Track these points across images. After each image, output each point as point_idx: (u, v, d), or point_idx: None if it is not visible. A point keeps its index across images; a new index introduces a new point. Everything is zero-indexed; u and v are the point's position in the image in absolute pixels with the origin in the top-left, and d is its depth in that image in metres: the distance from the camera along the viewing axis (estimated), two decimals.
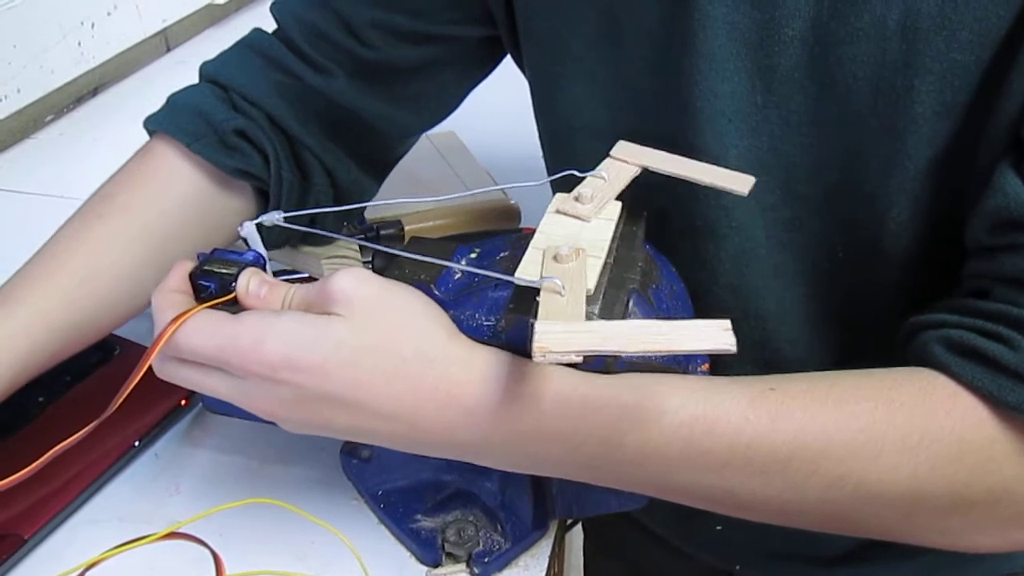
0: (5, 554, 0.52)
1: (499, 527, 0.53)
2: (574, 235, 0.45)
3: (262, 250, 0.50)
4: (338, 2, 0.62)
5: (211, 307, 0.46)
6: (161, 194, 0.61)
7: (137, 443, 0.60)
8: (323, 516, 0.55)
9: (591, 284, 0.42)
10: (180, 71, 0.72)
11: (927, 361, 0.44)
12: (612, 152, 0.50)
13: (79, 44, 1.08)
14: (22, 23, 1.00)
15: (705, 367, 0.48)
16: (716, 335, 0.37)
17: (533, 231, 0.46)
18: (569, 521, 0.63)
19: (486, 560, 0.52)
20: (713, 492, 0.44)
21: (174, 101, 0.64)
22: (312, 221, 0.64)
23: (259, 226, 0.51)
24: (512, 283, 0.43)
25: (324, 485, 0.58)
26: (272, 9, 0.65)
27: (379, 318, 0.43)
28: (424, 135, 0.73)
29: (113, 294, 0.57)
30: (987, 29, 0.43)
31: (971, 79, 0.44)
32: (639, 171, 0.49)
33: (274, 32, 0.65)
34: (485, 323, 0.45)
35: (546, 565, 0.54)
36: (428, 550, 0.53)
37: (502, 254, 0.48)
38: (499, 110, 0.85)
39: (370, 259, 0.73)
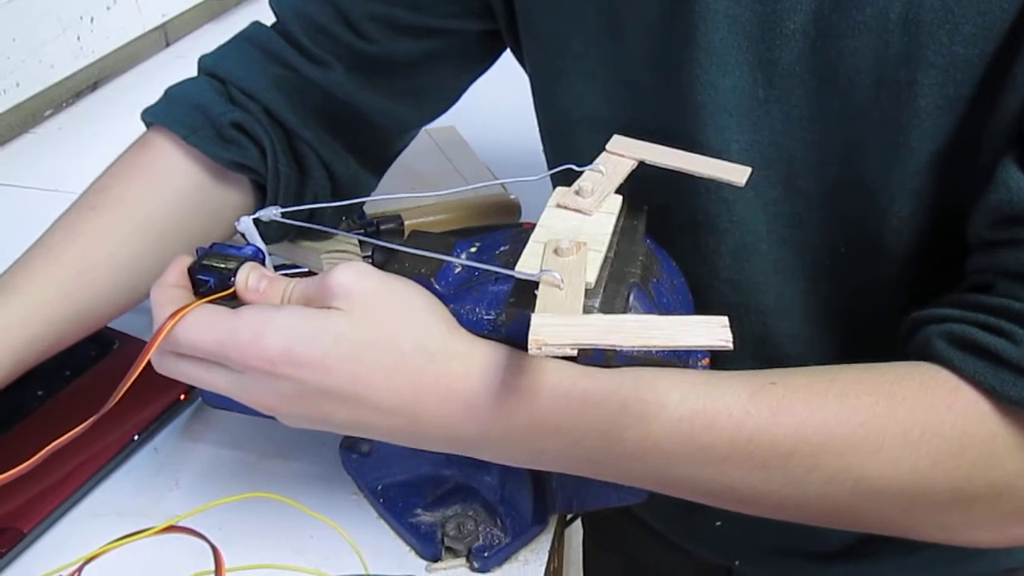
0: (5, 548, 0.52)
1: (499, 522, 0.53)
2: (575, 229, 0.45)
3: (261, 244, 0.50)
4: None
5: (210, 302, 0.45)
6: (158, 186, 0.61)
7: (136, 437, 0.60)
8: (323, 510, 0.55)
9: (591, 278, 0.42)
10: (179, 65, 0.72)
11: (929, 355, 0.44)
12: (608, 146, 0.50)
13: (78, 38, 1.08)
14: (21, 17, 1.00)
15: (705, 361, 0.48)
16: (714, 332, 0.37)
17: (533, 225, 0.46)
18: (569, 516, 0.63)
19: (486, 554, 0.52)
20: (713, 486, 0.44)
21: (172, 94, 0.64)
22: (311, 216, 0.63)
23: (257, 221, 0.51)
24: (512, 277, 0.43)
25: (324, 479, 0.58)
26: (271, 3, 0.65)
27: (379, 312, 0.43)
28: (423, 129, 0.73)
29: (110, 286, 0.57)
30: (990, 23, 0.43)
31: (974, 73, 0.44)
32: (635, 164, 0.49)
33: (273, 25, 0.65)
34: (485, 317, 0.45)
35: (546, 560, 0.54)
36: (428, 544, 0.53)
37: (502, 248, 0.48)
38: (499, 104, 0.85)
39: (370, 253, 0.73)
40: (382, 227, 0.77)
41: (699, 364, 0.47)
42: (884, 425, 0.42)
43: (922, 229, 0.49)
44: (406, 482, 0.55)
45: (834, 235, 0.52)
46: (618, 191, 0.48)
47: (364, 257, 0.73)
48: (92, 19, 1.10)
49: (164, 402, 0.62)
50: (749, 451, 0.42)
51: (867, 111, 0.47)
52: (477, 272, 0.47)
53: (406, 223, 0.78)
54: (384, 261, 0.49)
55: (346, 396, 0.43)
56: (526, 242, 0.44)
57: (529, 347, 0.36)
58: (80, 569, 0.52)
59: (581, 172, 0.49)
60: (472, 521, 0.53)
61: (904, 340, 0.47)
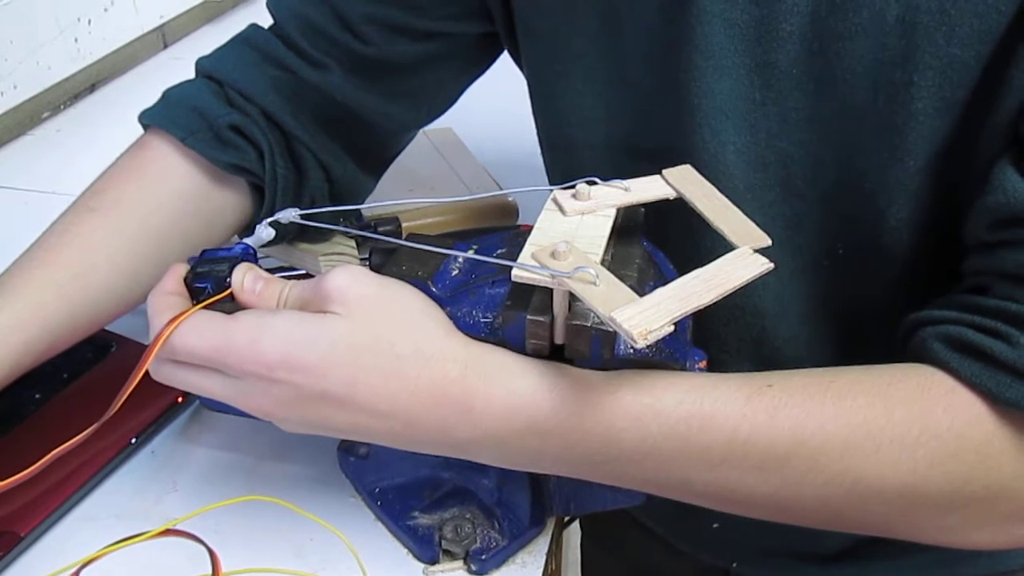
0: (2, 551, 0.52)
1: (496, 524, 0.53)
2: (571, 232, 0.45)
3: (258, 243, 0.50)
4: None
5: (207, 307, 0.45)
6: (155, 188, 0.61)
7: (134, 440, 0.60)
8: (320, 513, 0.55)
9: None
10: (177, 67, 0.72)
11: (926, 357, 0.44)
12: (665, 171, 0.49)
13: (76, 40, 1.08)
14: (19, 19, 0.99)
15: (702, 364, 0.48)
16: (753, 263, 0.41)
17: (530, 228, 0.46)
18: (566, 518, 0.63)
19: (483, 557, 0.52)
20: (711, 489, 0.44)
21: (169, 96, 0.64)
22: (311, 219, 0.63)
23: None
24: (508, 280, 0.43)
25: (321, 482, 0.58)
26: (269, 5, 0.65)
27: (376, 316, 0.43)
28: (421, 131, 0.73)
29: (107, 288, 0.57)
30: (987, 24, 0.43)
31: (971, 75, 0.44)
32: (672, 196, 0.48)
33: (270, 28, 0.65)
34: (482, 320, 0.45)
35: (543, 562, 0.54)
36: (425, 547, 0.53)
37: (499, 251, 0.48)
38: (496, 106, 0.85)
39: (367, 256, 0.73)
40: (379, 229, 0.77)
41: (696, 366, 0.47)
42: (881, 427, 0.42)
43: (920, 230, 0.49)
44: (404, 485, 0.55)
45: (832, 237, 0.52)
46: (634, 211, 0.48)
47: (362, 259, 0.73)
48: (90, 21, 1.10)
49: (162, 405, 0.62)
50: (746, 453, 0.42)
51: (864, 113, 0.47)
52: (474, 275, 0.47)
53: (404, 225, 0.78)
54: (381, 264, 0.49)
55: (343, 400, 0.43)
56: (523, 245, 0.44)
57: (632, 341, 0.37)
58: (77, 573, 0.51)
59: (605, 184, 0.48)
60: (470, 523, 0.53)
61: (901, 342, 0.47)
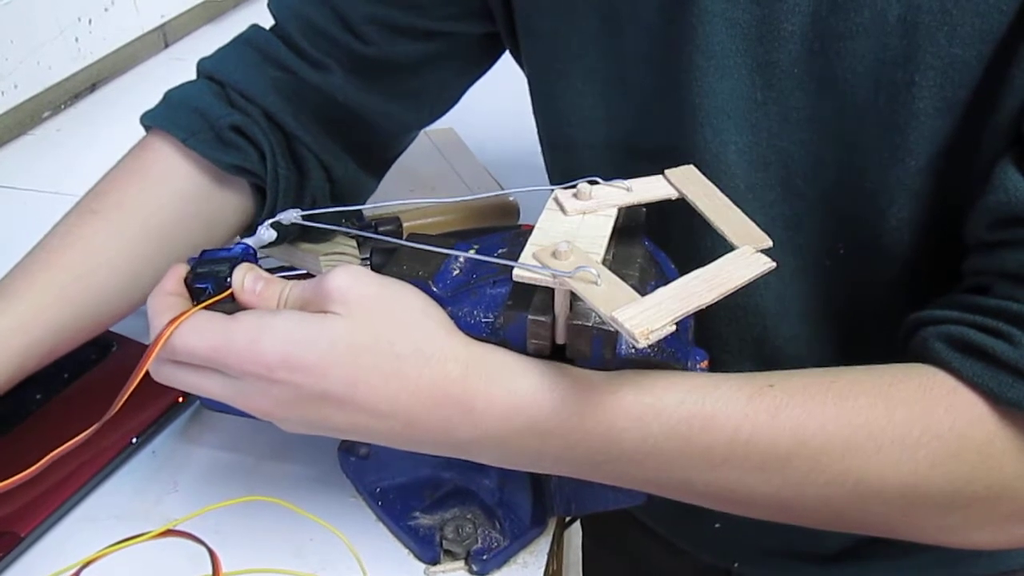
0: (2, 552, 0.52)
1: (497, 524, 0.53)
2: (572, 231, 0.45)
3: (264, 236, 0.50)
4: None
5: (207, 307, 0.45)
6: (157, 190, 0.61)
7: (134, 440, 0.60)
8: (321, 514, 0.55)
9: None
10: (178, 67, 0.72)
11: (927, 357, 0.44)
12: (668, 172, 0.49)
13: (76, 40, 1.08)
14: (19, 18, 0.99)
15: (704, 364, 0.48)
16: (754, 262, 0.41)
17: (531, 228, 0.46)
18: (568, 518, 0.63)
19: (484, 557, 0.52)
20: (712, 489, 0.44)
21: (171, 97, 0.64)
22: (312, 219, 0.63)
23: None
24: (509, 280, 0.42)
25: (322, 483, 0.58)
26: (270, 5, 0.65)
27: (376, 316, 0.43)
28: (422, 131, 0.73)
29: (110, 290, 0.57)
30: (988, 24, 0.43)
31: (972, 74, 0.44)
32: (675, 197, 0.48)
33: (272, 28, 0.65)
34: (483, 320, 0.45)
35: (544, 562, 0.54)
36: (426, 547, 0.53)
37: (500, 251, 0.48)
38: (497, 106, 0.85)
39: (368, 256, 0.73)
40: (380, 229, 0.77)
41: (697, 366, 0.47)
42: (883, 427, 0.42)
43: (921, 230, 0.49)
44: (404, 485, 0.55)
45: (833, 236, 0.52)
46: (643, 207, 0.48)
47: (363, 259, 0.73)
48: (90, 21, 1.10)
49: (162, 405, 0.62)
50: (747, 453, 0.42)
51: (865, 113, 0.47)
52: (475, 275, 0.47)
53: (404, 225, 0.78)
54: (381, 264, 0.49)
55: (343, 400, 0.43)
56: (524, 244, 0.44)
57: (634, 341, 0.37)
58: (77, 573, 0.51)
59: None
60: (471, 524, 0.53)
61: (902, 341, 0.47)
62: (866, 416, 0.42)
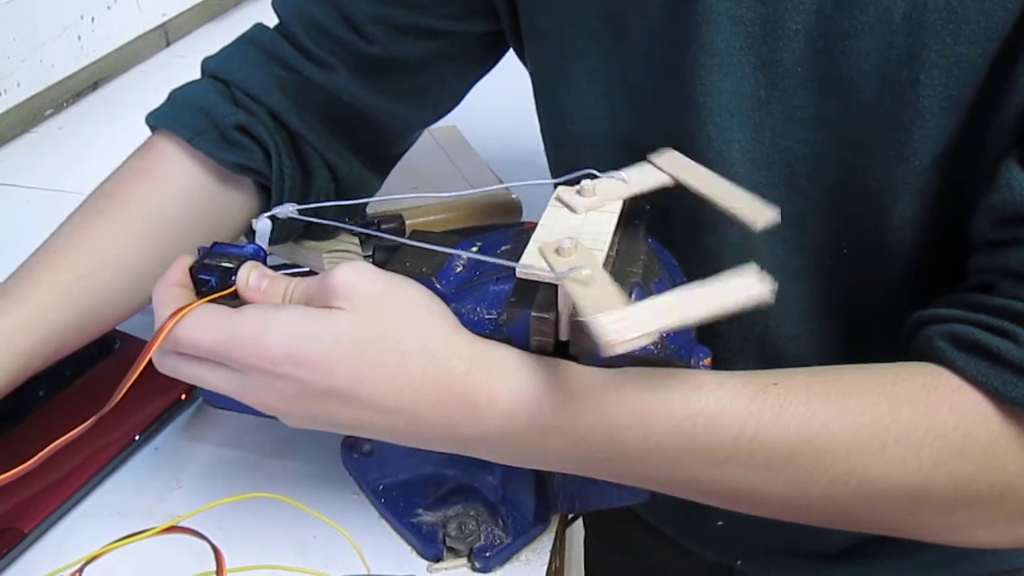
0: (6, 548, 0.52)
1: (500, 521, 0.53)
2: (576, 228, 0.45)
3: (264, 243, 0.50)
4: None
5: (211, 301, 0.45)
6: (162, 189, 0.61)
7: (137, 437, 0.60)
8: (324, 510, 0.55)
9: None
10: (180, 65, 0.72)
11: (931, 356, 0.44)
12: (652, 156, 0.49)
13: (79, 38, 1.08)
14: (22, 17, 1.00)
15: (707, 361, 0.48)
16: (751, 286, 0.39)
17: (534, 225, 0.46)
18: (570, 515, 0.63)
19: (487, 554, 0.52)
20: (716, 487, 0.44)
21: (175, 96, 0.64)
22: (315, 215, 0.63)
23: (272, 219, 0.51)
24: (516, 276, 0.43)
25: (325, 479, 0.58)
26: (274, 4, 0.65)
27: (381, 312, 0.43)
28: (426, 129, 0.73)
29: (115, 290, 0.57)
30: (994, 23, 0.43)
31: (977, 73, 0.44)
32: (671, 183, 0.48)
33: (275, 27, 0.65)
34: (487, 316, 0.45)
35: (547, 559, 0.54)
36: (429, 544, 0.53)
37: (503, 248, 0.48)
38: (501, 104, 0.85)
39: (371, 253, 0.73)
40: (383, 227, 0.77)
41: (701, 364, 0.47)
42: (887, 425, 0.42)
43: (925, 229, 0.49)
44: (407, 482, 0.55)
45: (836, 235, 0.52)
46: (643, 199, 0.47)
47: (365, 256, 0.73)
48: (93, 19, 1.10)
49: (165, 401, 0.62)
50: (751, 452, 0.42)
51: (870, 111, 0.47)
52: (478, 271, 0.47)
53: (407, 222, 0.78)
54: (385, 260, 0.49)
55: (347, 396, 0.43)
56: (527, 241, 0.44)
57: (607, 347, 0.36)
58: (81, 569, 0.51)
59: (598, 178, 0.48)
60: (474, 521, 0.53)
61: (906, 340, 0.47)
62: (871, 415, 0.42)
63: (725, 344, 0.57)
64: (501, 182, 0.87)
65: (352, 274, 0.44)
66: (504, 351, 0.44)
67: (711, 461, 0.43)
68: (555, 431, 0.43)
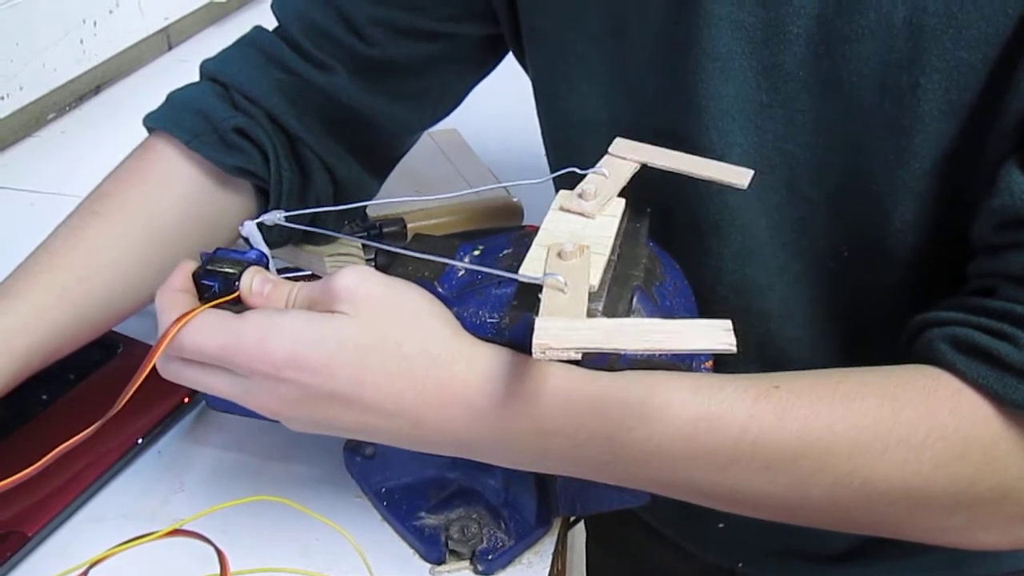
0: (9, 552, 0.52)
1: (502, 524, 0.53)
2: (578, 232, 0.45)
3: (264, 248, 0.50)
4: None
5: (215, 306, 0.46)
6: (160, 191, 0.61)
7: (140, 441, 0.60)
8: (327, 513, 0.55)
9: (595, 281, 0.42)
10: (182, 69, 0.72)
11: (932, 359, 0.44)
12: (611, 149, 0.50)
13: (81, 42, 1.08)
14: (24, 21, 1.00)
15: (709, 364, 0.48)
16: (716, 335, 0.37)
17: (536, 228, 0.46)
18: (572, 518, 0.63)
19: (489, 557, 0.52)
20: (717, 490, 0.44)
21: (174, 99, 0.64)
22: (314, 219, 0.63)
23: (261, 225, 0.51)
24: (516, 280, 0.43)
25: (328, 483, 0.58)
26: (273, 7, 0.65)
27: (383, 316, 0.43)
28: (426, 132, 0.73)
29: (112, 291, 0.57)
30: (994, 27, 0.43)
31: (978, 77, 0.44)
32: (638, 167, 0.49)
33: (275, 30, 0.65)
34: (488, 320, 0.45)
35: (549, 562, 0.54)
36: (432, 547, 0.53)
37: (505, 251, 0.48)
38: (501, 107, 0.85)
39: (373, 256, 0.73)
40: (385, 230, 0.77)
41: (703, 367, 0.47)
42: (888, 428, 0.42)
43: (925, 233, 0.49)
44: (410, 485, 0.55)
45: (837, 239, 0.52)
46: (621, 194, 0.48)
47: (367, 260, 0.73)
48: (95, 23, 1.10)
49: (168, 405, 0.62)
50: (753, 454, 0.42)
51: (871, 115, 0.47)
52: (480, 275, 0.47)
53: (409, 226, 0.78)
54: (387, 264, 0.49)
55: (350, 400, 0.43)
56: (529, 245, 0.44)
57: (533, 351, 0.36)
58: (85, 573, 0.52)
59: (584, 175, 0.49)
60: (476, 524, 0.53)
61: (907, 343, 0.47)
62: (872, 417, 0.42)
63: None
64: (499, 182, 0.87)
65: (354, 278, 0.44)
66: (506, 355, 0.44)
67: (713, 464, 0.43)
68: (556, 434, 0.43)
